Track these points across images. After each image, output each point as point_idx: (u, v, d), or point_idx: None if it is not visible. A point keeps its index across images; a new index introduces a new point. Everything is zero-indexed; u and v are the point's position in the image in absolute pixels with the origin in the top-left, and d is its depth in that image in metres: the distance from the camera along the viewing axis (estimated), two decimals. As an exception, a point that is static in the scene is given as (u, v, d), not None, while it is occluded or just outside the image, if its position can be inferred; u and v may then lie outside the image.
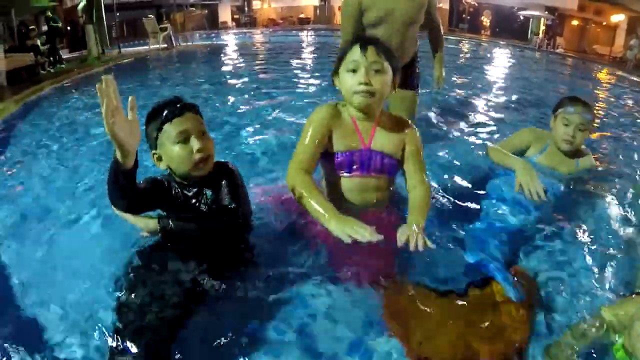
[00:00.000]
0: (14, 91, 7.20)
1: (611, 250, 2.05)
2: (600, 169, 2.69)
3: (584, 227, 2.21)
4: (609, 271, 1.91)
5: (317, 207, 1.65)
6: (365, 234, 1.46)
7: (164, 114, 1.68)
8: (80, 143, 4.00)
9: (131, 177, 1.49)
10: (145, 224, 1.70)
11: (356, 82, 1.78)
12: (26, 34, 11.51)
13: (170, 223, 1.67)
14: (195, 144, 1.68)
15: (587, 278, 1.87)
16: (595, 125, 4.60)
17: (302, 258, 1.90)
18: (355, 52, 1.80)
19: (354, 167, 1.91)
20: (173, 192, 1.78)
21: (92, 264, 1.96)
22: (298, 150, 1.87)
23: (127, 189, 1.51)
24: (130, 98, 1.40)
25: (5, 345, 1.54)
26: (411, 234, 1.56)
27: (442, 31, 3.53)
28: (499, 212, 2.23)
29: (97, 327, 1.56)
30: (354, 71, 1.80)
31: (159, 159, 1.75)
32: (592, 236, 2.15)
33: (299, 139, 1.89)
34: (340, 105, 1.95)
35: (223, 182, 1.76)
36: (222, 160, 1.88)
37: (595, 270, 1.91)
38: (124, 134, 1.35)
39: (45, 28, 12.07)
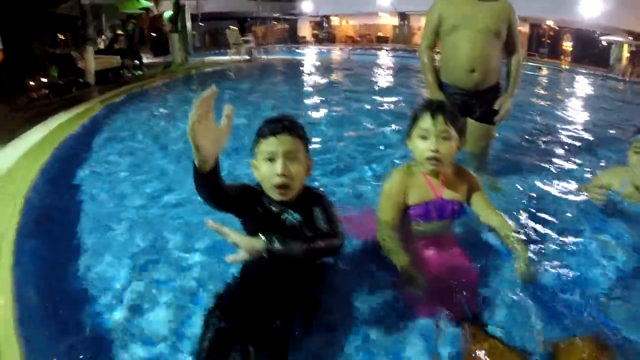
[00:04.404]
0: (100, 91, 7.65)
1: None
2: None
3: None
4: None
5: (395, 256, 1.95)
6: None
7: (262, 130, 1.71)
8: (161, 145, 4.20)
9: (207, 180, 1.47)
10: (249, 244, 1.46)
11: (426, 149, 1.97)
12: (114, 38, 12.24)
13: (277, 244, 1.48)
14: (278, 167, 1.66)
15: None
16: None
17: (382, 289, 1.98)
18: (427, 121, 1.96)
19: (431, 215, 2.10)
20: (261, 203, 1.76)
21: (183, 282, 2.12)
22: (381, 217, 2.09)
23: (207, 189, 1.53)
24: (226, 106, 1.39)
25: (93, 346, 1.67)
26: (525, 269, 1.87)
27: (520, 60, 3.37)
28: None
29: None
30: (424, 138, 1.98)
31: (256, 168, 1.77)
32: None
33: (380, 203, 2.13)
34: (412, 165, 2.14)
35: (317, 209, 1.74)
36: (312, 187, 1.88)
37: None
38: (204, 139, 1.33)
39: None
